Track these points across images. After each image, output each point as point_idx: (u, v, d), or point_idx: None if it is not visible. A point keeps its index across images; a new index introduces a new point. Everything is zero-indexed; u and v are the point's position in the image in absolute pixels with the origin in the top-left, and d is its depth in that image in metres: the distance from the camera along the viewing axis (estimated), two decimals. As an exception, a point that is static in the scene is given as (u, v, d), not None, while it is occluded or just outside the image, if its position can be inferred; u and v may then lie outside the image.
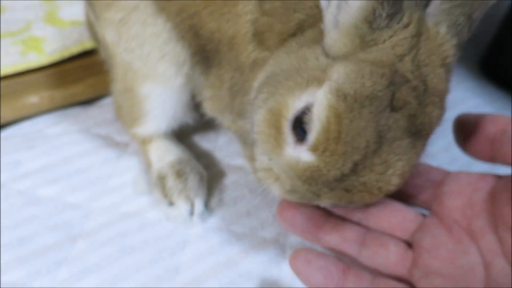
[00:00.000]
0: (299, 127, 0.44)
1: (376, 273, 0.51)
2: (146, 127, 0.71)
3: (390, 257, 0.51)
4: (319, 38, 0.47)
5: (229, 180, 0.73)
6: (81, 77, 0.84)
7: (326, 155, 0.42)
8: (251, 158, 0.71)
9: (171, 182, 0.68)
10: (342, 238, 0.53)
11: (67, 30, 0.88)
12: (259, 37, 0.54)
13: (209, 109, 0.65)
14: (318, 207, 0.56)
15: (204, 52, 0.60)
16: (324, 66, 0.44)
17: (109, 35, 0.65)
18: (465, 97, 0.94)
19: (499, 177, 0.50)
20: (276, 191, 0.50)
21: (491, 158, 0.50)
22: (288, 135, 0.45)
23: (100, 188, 0.70)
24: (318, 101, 0.42)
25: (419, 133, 0.44)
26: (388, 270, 0.51)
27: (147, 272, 0.60)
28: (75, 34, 0.87)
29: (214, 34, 0.56)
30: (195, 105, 0.70)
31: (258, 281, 0.60)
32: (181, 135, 0.76)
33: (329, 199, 0.46)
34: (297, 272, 0.51)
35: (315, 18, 0.48)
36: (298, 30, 0.51)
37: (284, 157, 0.46)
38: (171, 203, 0.67)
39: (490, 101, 0.93)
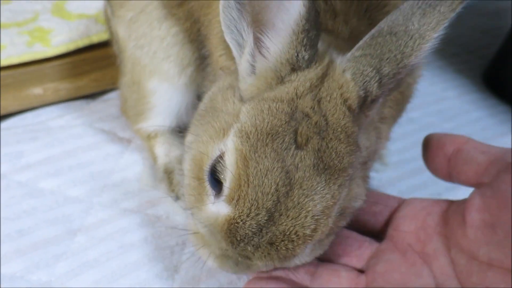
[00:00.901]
0: (216, 178, 0.43)
1: None
2: (151, 122, 0.71)
3: (342, 284, 0.50)
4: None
5: (231, 181, 0.73)
6: (86, 71, 0.84)
7: (240, 204, 0.40)
8: None
9: (178, 176, 0.68)
10: (294, 271, 0.51)
11: (74, 23, 0.88)
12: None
13: None
14: None
15: (203, 57, 0.62)
16: (237, 111, 0.44)
17: (121, 31, 0.67)
18: (468, 109, 0.94)
19: (451, 202, 0.51)
20: (206, 257, 0.47)
21: (448, 176, 0.51)
22: (208, 187, 0.44)
23: (102, 183, 0.70)
24: (228, 147, 0.42)
25: (331, 169, 0.41)
26: None
27: (146, 270, 0.60)
28: (82, 27, 0.87)
29: (206, 40, 0.58)
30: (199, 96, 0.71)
31: (256, 283, 0.60)
32: (184, 136, 0.76)
33: (260, 259, 0.43)
34: None
35: None
36: None
37: (205, 212, 0.44)
38: (177, 198, 0.67)
39: (492, 114, 0.93)
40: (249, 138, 0.40)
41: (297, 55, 0.42)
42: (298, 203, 0.40)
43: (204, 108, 0.49)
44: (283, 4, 0.40)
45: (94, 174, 0.71)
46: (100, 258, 0.60)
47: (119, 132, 0.78)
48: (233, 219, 0.41)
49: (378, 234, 0.55)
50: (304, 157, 0.40)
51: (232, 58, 0.52)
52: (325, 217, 0.41)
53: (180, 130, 0.75)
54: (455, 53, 1.08)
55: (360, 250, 0.53)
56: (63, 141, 0.75)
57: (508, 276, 0.42)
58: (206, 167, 0.43)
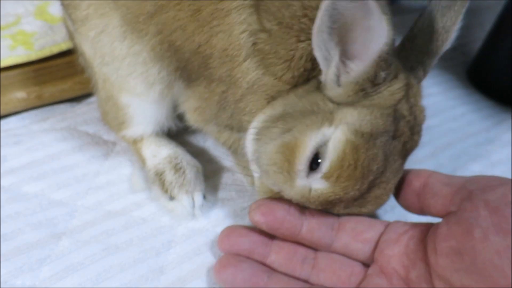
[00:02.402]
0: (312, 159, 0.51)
1: None
2: (133, 130, 0.71)
3: None
4: (318, 86, 0.54)
5: (217, 181, 0.73)
6: (70, 74, 0.83)
7: (341, 181, 0.50)
8: (244, 167, 0.71)
9: (170, 176, 0.68)
10: None
11: (57, 26, 0.87)
12: (262, 56, 0.54)
13: (194, 120, 0.66)
14: (261, 263, 0.57)
15: (186, 67, 0.60)
16: (331, 109, 0.52)
17: (86, 48, 0.66)
18: (452, 105, 0.95)
19: (430, 225, 0.53)
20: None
21: (420, 211, 0.55)
22: (303, 167, 0.51)
23: (86, 186, 0.69)
24: (335, 138, 0.50)
25: (407, 153, 0.55)
26: None
27: (132, 272, 0.59)
28: (65, 30, 0.86)
29: (201, 48, 0.56)
30: (178, 115, 0.70)
31: (242, 282, 0.60)
32: (169, 136, 0.76)
33: (342, 212, 0.54)
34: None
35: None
36: (309, 65, 0.54)
37: (295, 188, 0.52)
38: (172, 198, 0.67)
39: (477, 109, 0.94)
40: (363, 135, 0.49)
41: (376, 75, 0.49)
42: (387, 179, 0.52)
43: (280, 113, 0.55)
44: (370, 33, 0.46)
45: (79, 177, 0.70)
46: (84, 261, 0.60)
47: (104, 135, 0.78)
48: (334, 192, 0.51)
49: (364, 260, 0.57)
50: (396, 145, 0.52)
51: (271, 74, 0.55)
52: (395, 186, 0.55)
53: (167, 134, 0.75)
54: (440, 50, 1.09)
55: (353, 275, 0.55)
56: (46, 145, 0.74)
57: None
58: (307, 151, 0.50)
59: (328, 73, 0.51)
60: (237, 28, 0.54)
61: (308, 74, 0.55)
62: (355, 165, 0.49)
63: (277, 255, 0.57)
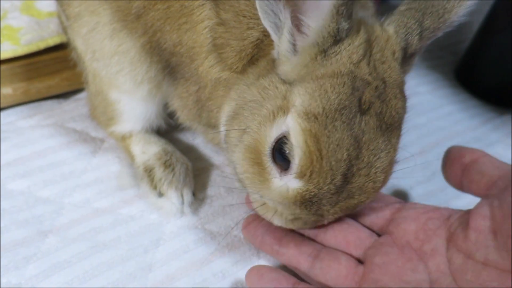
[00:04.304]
0: (280, 156, 0.46)
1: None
2: (122, 126, 0.71)
3: (341, 270, 0.53)
4: (271, 66, 0.49)
5: (206, 178, 0.73)
6: (57, 70, 0.82)
7: (313, 177, 0.44)
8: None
9: (159, 173, 0.67)
10: (299, 251, 0.56)
11: (44, 21, 0.86)
12: (219, 51, 0.54)
13: (181, 119, 0.67)
14: None
15: (170, 66, 0.60)
16: (284, 93, 0.47)
17: (78, 43, 0.66)
18: (440, 104, 0.96)
19: (453, 209, 0.54)
20: (279, 222, 0.52)
21: (460, 185, 0.55)
22: (271, 168, 0.47)
23: (73, 183, 0.69)
24: (292, 129, 0.44)
25: (391, 127, 0.47)
26: (338, 283, 0.53)
27: (119, 270, 0.59)
28: (52, 26, 0.85)
29: (177, 47, 0.57)
30: (169, 113, 0.70)
31: (231, 280, 0.60)
32: (158, 134, 0.76)
33: (334, 214, 0.48)
34: (250, 285, 0.54)
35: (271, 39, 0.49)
36: (256, 51, 0.52)
37: (273, 190, 0.48)
38: (160, 195, 0.66)
39: (464, 108, 0.95)
40: (317, 118, 0.43)
41: (338, 27, 0.43)
42: (368, 162, 0.45)
43: (234, 109, 0.52)
44: None
45: (66, 174, 0.70)
46: (71, 259, 0.59)
47: (92, 132, 0.77)
48: (308, 190, 0.45)
49: (377, 230, 0.58)
50: (368, 121, 0.44)
51: (228, 68, 0.54)
52: (391, 167, 0.47)
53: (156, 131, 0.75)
54: (428, 49, 1.08)
55: (360, 239, 0.55)
56: (33, 142, 0.73)
57: (502, 276, 0.45)
58: (266, 150, 0.47)
59: (281, 43, 0.47)
60: (200, 25, 0.54)
61: (254, 55, 0.52)
62: (321, 156, 0.43)
63: None
